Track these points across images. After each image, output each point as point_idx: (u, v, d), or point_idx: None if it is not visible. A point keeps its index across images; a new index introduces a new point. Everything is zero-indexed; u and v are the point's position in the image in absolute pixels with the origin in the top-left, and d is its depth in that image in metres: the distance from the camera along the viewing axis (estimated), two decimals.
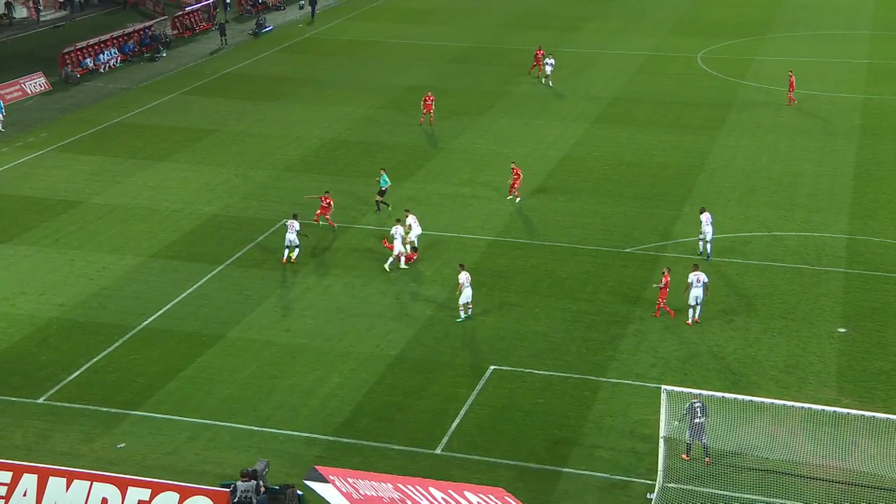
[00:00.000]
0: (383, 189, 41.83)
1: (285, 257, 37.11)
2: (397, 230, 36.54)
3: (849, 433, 24.97)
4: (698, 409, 25.31)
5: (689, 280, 32.47)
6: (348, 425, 27.74)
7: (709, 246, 37.22)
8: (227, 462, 25.97)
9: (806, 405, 24.67)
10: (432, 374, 30.25)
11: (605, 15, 78.41)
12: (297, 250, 37.17)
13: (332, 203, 39.72)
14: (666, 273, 33.00)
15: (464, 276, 32.78)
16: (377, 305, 34.16)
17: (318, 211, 39.58)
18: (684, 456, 25.63)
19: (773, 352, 31.37)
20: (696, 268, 32.94)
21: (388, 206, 41.63)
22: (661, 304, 33.10)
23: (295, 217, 37.66)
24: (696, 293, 32.33)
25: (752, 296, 34.80)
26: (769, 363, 30.75)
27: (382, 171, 42.18)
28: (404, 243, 36.67)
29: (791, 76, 55.56)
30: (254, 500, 23.67)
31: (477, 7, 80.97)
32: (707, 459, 25.65)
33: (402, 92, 58.56)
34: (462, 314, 32.94)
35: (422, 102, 52.62)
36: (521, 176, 42.73)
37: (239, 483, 23.79)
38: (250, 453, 26.29)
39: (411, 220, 37.50)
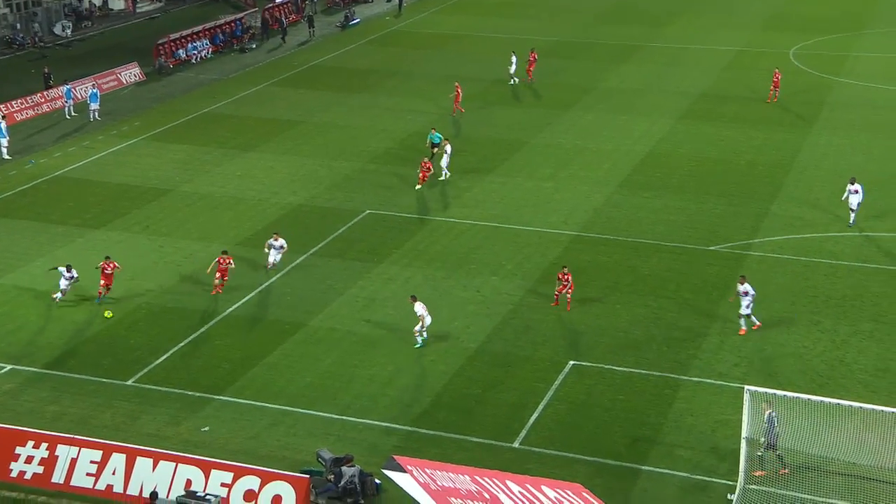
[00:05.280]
0: (435, 144, 45.51)
1: None
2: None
3: None
4: (774, 419, 24.70)
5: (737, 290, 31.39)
6: (426, 416, 27.86)
7: (852, 215, 38.65)
8: (307, 449, 26.29)
9: None
10: (511, 367, 30.20)
11: (695, 10, 77.16)
12: None
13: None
14: (566, 274, 32.74)
15: (420, 307, 30.58)
16: (457, 298, 34.22)
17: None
18: (759, 473, 24.91)
19: (862, 355, 30.55)
20: (742, 279, 31.66)
21: (432, 155, 44.90)
22: (564, 295, 32.91)
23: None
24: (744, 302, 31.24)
25: (840, 297, 33.94)
26: (858, 366, 29.96)
27: (433, 130, 46.10)
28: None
29: (777, 73, 54.41)
30: (357, 487, 23.94)
31: (565, 1, 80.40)
32: (784, 470, 24.96)
33: (489, 85, 58.50)
34: (419, 339, 30.84)
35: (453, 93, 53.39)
36: (430, 170, 43.24)
37: (345, 468, 24.13)
38: (329, 441, 26.58)
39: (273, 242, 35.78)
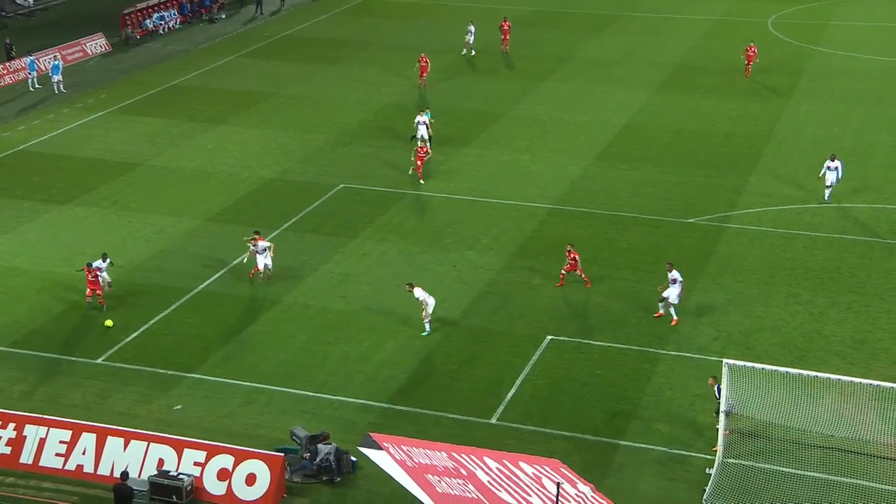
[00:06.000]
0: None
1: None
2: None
3: None
4: (732, 404, 24.46)
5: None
6: (403, 393, 27.51)
7: (827, 191, 37.95)
8: (281, 427, 25.90)
9: (875, 382, 23.84)
10: (488, 342, 29.87)
11: None
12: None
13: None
14: (571, 252, 32.05)
15: (420, 292, 29.75)
16: (433, 272, 33.80)
17: None
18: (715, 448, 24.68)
19: (840, 327, 30.44)
20: (670, 266, 30.76)
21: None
22: (574, 274, 32.28)
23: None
24: (672, 291, 30.45)
25: (819, 269, 33.80)
26: (836, 338, 29.86)
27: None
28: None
29: (752, 47, 53.28)
30: (333, 464, 23.71)
31: None
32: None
33: (464, 56, 57.83)
34: (427, 326, 30.09)
35: (417, 64, 52.29)
36: (428, 153, 41.35)
37: (321, 446, 23.94)
38: (304, 419, 26.20)
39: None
